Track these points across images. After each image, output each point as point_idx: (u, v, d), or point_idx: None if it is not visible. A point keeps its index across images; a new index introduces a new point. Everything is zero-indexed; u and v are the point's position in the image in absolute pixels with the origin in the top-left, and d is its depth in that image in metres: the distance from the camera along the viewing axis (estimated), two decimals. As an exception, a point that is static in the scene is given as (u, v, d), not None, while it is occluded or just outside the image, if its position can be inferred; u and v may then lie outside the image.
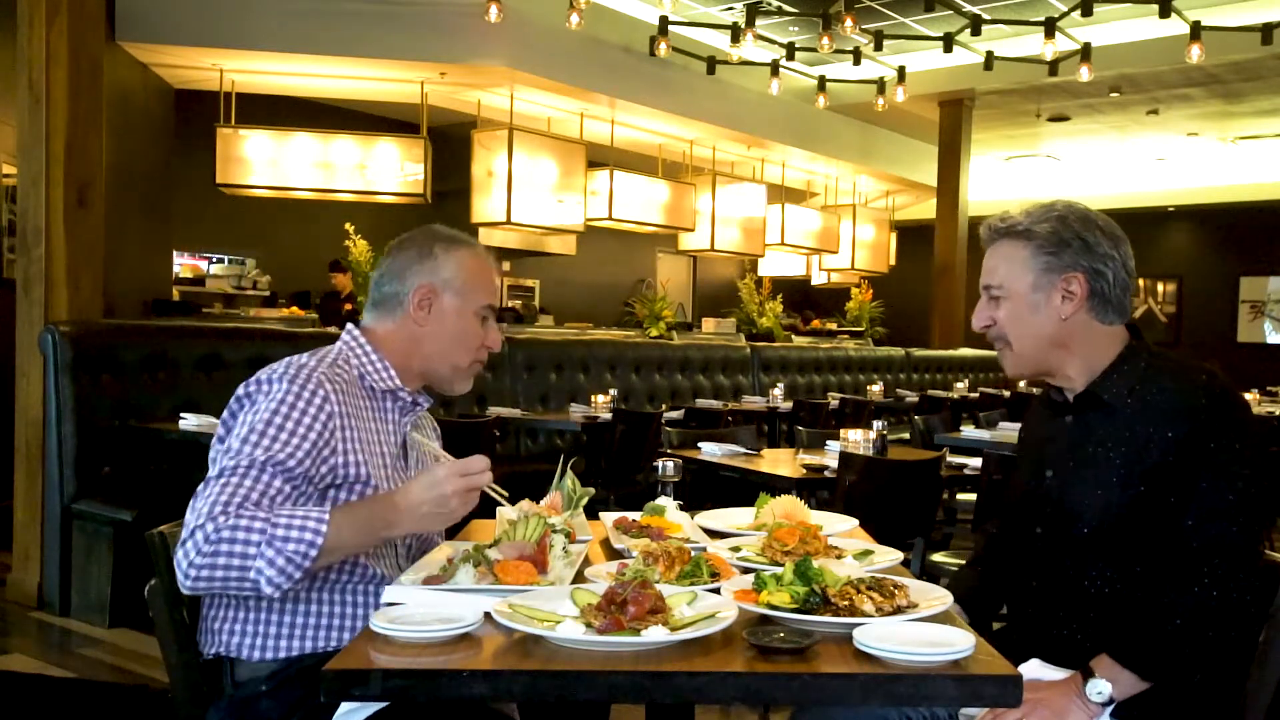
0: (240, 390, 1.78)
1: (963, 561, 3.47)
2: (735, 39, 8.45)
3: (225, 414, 1.78)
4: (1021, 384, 8.97)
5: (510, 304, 11.21)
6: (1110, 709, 1.63)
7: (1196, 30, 7.55)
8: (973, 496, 4.07)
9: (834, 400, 7.51)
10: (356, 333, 1.92)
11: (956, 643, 1.34)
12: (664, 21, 8.10)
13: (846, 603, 1.46)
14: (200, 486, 1.65)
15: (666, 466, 2.37)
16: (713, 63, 9.17)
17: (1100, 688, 1.61)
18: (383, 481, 1.81)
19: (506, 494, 1.84)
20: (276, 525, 1.57)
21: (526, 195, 9.04)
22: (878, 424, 4.09)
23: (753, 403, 7.60)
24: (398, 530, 1.67)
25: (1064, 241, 1.80)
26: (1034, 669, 1.69)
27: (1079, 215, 1.83)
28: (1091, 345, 1.83)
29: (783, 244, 12.00)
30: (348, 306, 8.63)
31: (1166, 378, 1.77)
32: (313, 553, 1.57)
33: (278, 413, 1.70)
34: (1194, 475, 1.68)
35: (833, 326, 12.28)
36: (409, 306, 1.91)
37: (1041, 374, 1.90)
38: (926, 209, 12.90)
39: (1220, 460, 1.67)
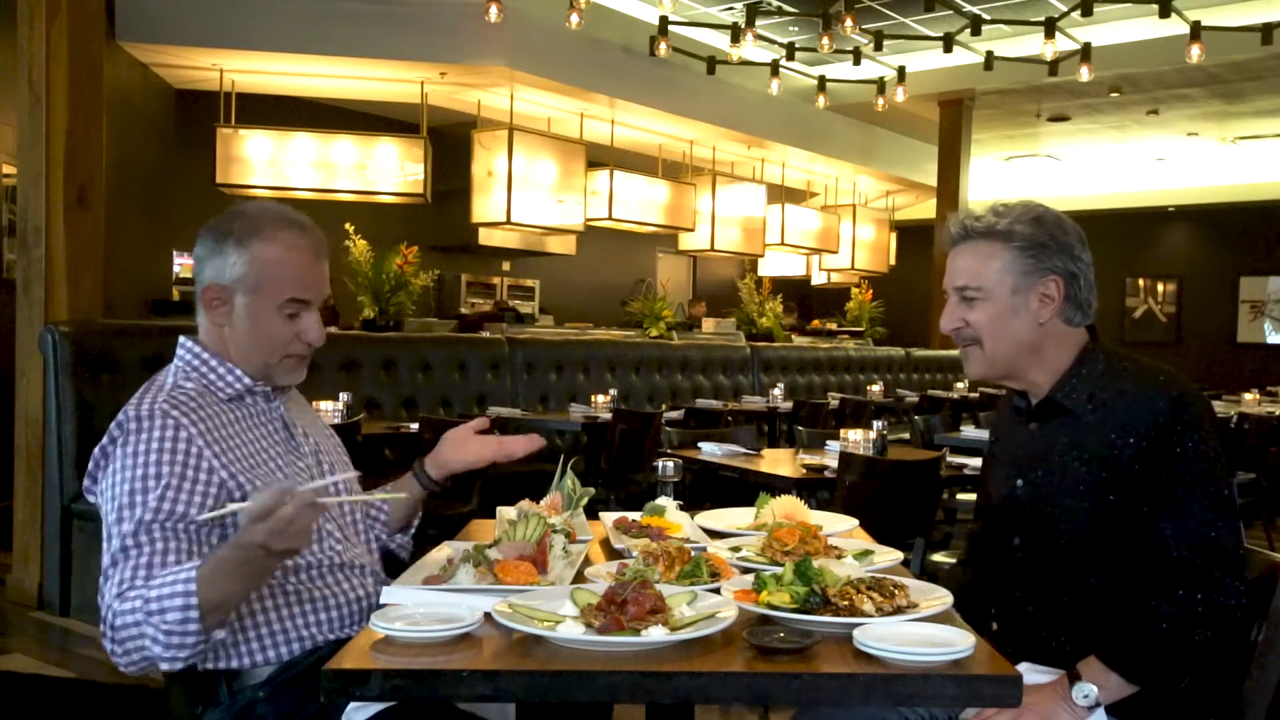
0: (96, 453, 1.69)
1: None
2: (735, 39, 8.44)
3: (87, 480, 1.72)
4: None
5: (510, 303, 11.21)
6: (1101, 710, 1.63)
7: (1196, 30, 7.55)
8: (973, 496, 4.06)
9: (834, 400, 7.50)
10: (189, 343, 1.82)
11: (956, 643, 1.34)
12: (664, 21, 8.09)
13: (846, 603, 1.46)
14: (106, 563, 1.60)
15: (666, 466, 2.37)
16: (713, 63, 9.17)
17: (1087, 690, 1.60)
18: (281, 479, 1.76)
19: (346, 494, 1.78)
20: (149, 600, 1.51)
21: (526, 195, 9.03)
22: (878, 424, 4.09)
23: (753, 403, 7.59)
24: (274, 564, 1.55)
25: (1042, 244, 1.78)
26: (1023, 673, 1.68)
27: (1053, 217, 1.81)
28: (1057, 348, 1.81)
29: (783, 244, 12.00)
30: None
31: (1126, 383, 1.76)
32: (192, 615, 1.48)
33: (137, 467, 1.62)
34: (1165, 483, 1.67)
35: (833, 326, 12.27)
36: (202, 306, 1.80)
37: (1009, 377, 1.87)
38: (926, 209, 12.90)
39: (1190, 466, 1.66)
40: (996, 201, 1.84)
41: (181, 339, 1.83)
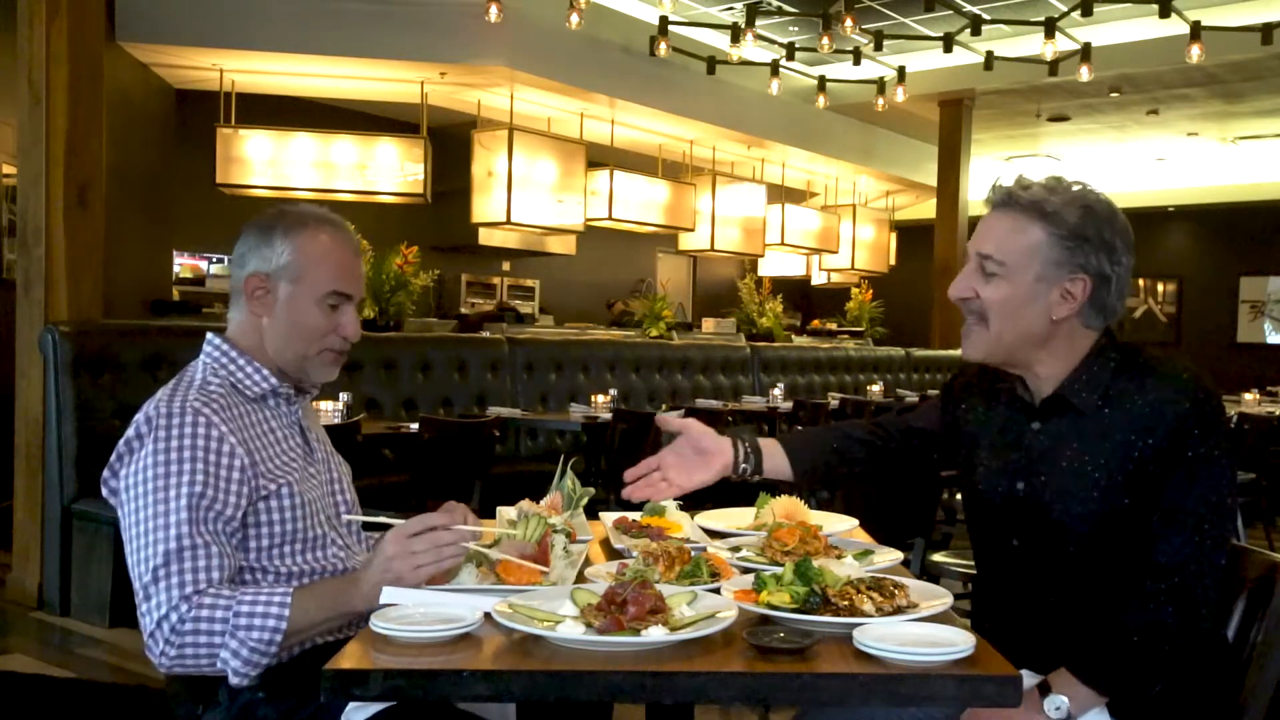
0: (120, 447, 1.69)
1: (962, 561, 3.48)
2: (735, 39, 8.43)
3: (107, 472, 1.71)
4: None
5: (510, 303, 11.21)
6: (1102, 710, 1.61)
7: (1196, 30, 7.55)
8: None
9: (834, 400, 7.50)
10: (217, 340, 1.81)
11: (956, 643, 1.34)
12: (664, 21, 8.09)
13: (846, 603, 1.46)
14: (140, 566, 1.60)
15: (667, 467, 2.36)
16: (713, 63, 9.17)
17: (1058, 703, 1.57)
18: (296, 484, 1.77)
19: (489, 541, 1.68)
20: (239, 614, 1.55)
21: (526, 195, 9.03)
22: (878, 424, 4.08)
23: (753, 403, 7.60)
24: (360, 606, 1.59)
25: (1084, 238, 1.63)
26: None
27: (1105, 210, 1.66)
28: (1068, 343, 1.70)
29: (783, 244, 11.99)
30: None
31: (1146, 379, 1.65)
32: (277, 638, 1.55)
33: (171, 463, 1.63)
34: (1172, 485, 1.59)
35: (833, 326, 12.27)
36: (244, 298, 1.81)
37: (1010, 365, 1.74)
38: (926, 209, 12.89)
39: (1197, 469, 1.59)
40: (1052, 176, 1.69)
41: (209, 336, 1.83)
